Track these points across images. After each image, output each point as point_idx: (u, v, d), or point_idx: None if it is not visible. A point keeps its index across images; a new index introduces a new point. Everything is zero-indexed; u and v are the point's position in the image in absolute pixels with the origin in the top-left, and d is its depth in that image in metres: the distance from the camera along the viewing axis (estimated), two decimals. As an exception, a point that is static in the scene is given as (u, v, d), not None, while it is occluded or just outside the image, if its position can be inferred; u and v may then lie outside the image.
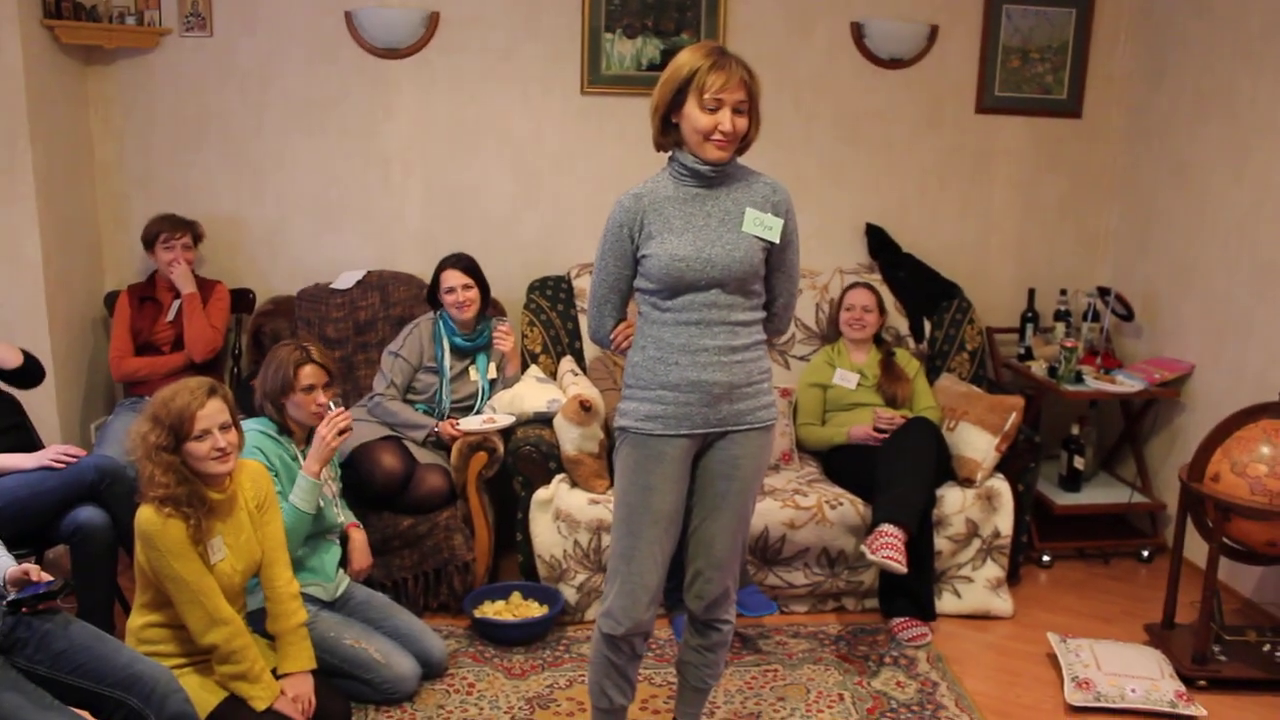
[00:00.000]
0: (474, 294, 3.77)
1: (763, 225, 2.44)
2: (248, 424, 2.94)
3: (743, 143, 2.47)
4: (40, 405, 3.67)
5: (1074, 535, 4.30)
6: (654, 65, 4.33)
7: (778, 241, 2.45)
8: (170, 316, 3.90)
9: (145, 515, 2.46)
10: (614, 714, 2.64)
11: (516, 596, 3.56)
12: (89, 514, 2.98)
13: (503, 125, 4.35)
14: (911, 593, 3.58)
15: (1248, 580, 3.85)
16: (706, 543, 2.55)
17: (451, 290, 3.75)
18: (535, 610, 3.50)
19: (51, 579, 2.40)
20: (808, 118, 4.47)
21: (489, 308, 3.91)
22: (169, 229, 3.91)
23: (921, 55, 4.46)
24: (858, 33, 4.41)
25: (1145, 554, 4.26)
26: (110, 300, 4.03)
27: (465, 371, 3.84)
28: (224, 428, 2.53)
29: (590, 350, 4.19)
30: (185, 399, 2.49)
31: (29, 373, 3.33)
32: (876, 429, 3.79)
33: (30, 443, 3.30)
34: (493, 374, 3.86)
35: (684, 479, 2.51)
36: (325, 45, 4.20)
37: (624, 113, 4.36)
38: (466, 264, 3.80)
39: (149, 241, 3.92)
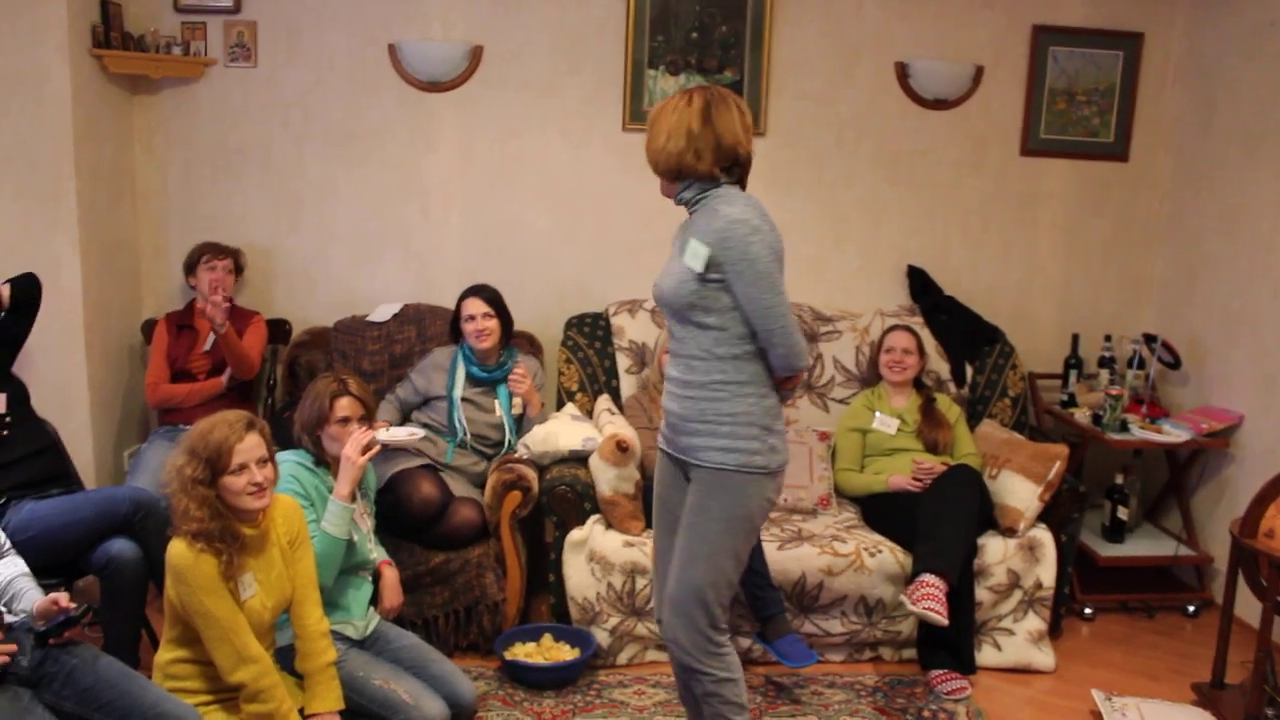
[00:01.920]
0: (494, 324, 3.76)
1: (693, 255, 2.43)
2: (284, 455, 2.92)
3: (659, 170, 2.53)
4: (74, 433, 3.68)
5: (1117, 588, 4.19)
6: (696, 102, 4.31)
7: (699, 269, 2.42)
8: (207, 346, 3.90)
9: (177, 549, 2.43)
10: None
11: (548, 639, 3.50)
12: (121, 546, 2.94)
13: (543, 160, 4.33)
14: (951, 644, 3.49)
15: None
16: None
17: (471, 318, 3.75)
18: (567, 653, 3.44)
19: (75, 605, 2.37)
20: (850, 157, 4.43)
21: (511, 340, 3.89)
22: (212, 251, 3.95)
23: (967, 96, 4.41)
24: (902, 72, 4.37)
25: (1191, 609, 4.14)
26: (148, 328, 4.03)
27: (485, 403, 3.80)
28: (261, 462, 2.50)
29: (627, 388, 4.14)
30: (224, 432, 2.46)
31: (22, 304, 3.21)
32: (915, 478, 3.72)
33: (64, 470, 3.29)
34: (518, 409, 3.82)
35: (680, 495, 2.59)
36: (368, 77, 4.21)
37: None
38: (489, 294, 3.80)
39: (191, 265, 3.94)
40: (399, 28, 4.19)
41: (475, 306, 3.76)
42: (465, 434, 3.75)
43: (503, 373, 3.81)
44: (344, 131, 4.24)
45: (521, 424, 3.83)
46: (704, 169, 2.47)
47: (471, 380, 3.80)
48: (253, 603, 2.51)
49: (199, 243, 4.00)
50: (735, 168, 2.51)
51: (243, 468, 2.46)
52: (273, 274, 4.24)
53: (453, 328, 3.88)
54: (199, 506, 2.41)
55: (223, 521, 2.45)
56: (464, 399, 3.78)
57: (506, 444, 3.79)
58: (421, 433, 3.53)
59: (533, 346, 4.19)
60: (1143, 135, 4.52)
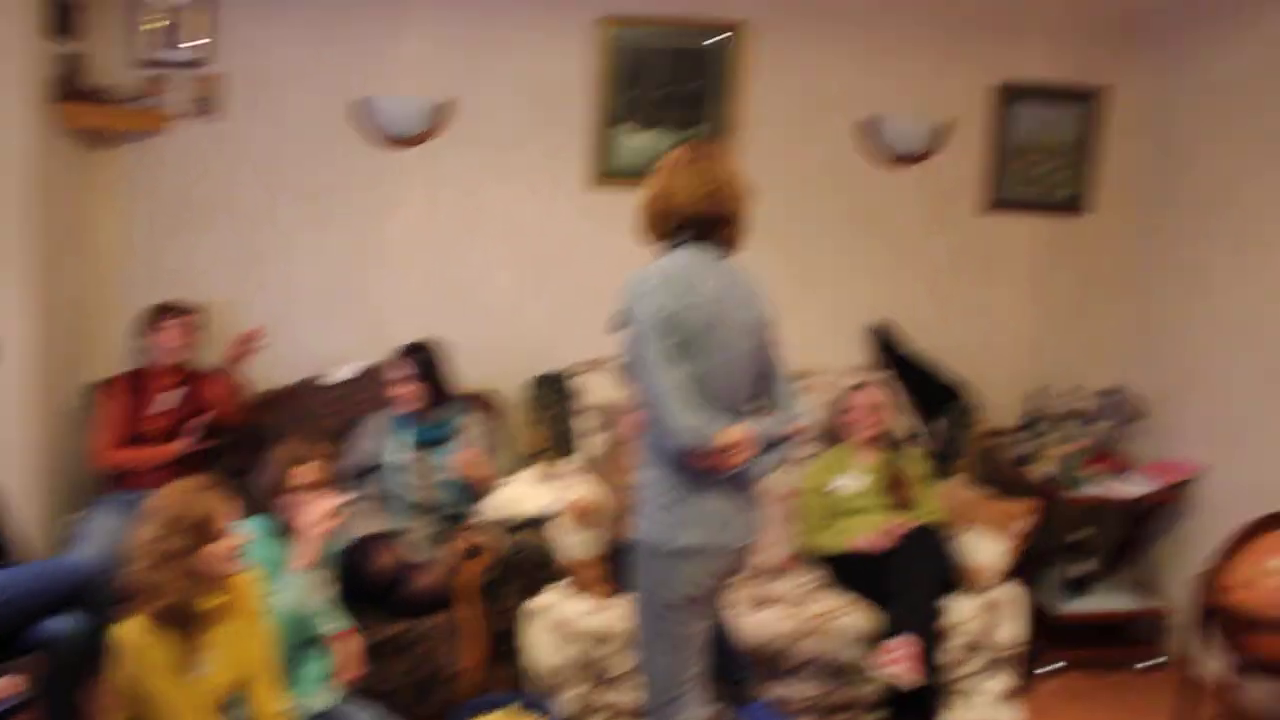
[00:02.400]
0: (411, 388, 3.67)
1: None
2: (244, 524, 2.88)
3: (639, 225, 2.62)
4: (16, 497, 3.55)
5: (1075, 643, 4.21)
6: (664, 159, 4.32)
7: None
8: (164, 407, 3.77)
9: (133, 628, 2.38)
10: None
11: (509, 710, 3.45)
12: (69, 621, 2.82)
13: (508, 217, 4.32)
14: (921, 705, 3.49)
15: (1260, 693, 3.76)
16: None
17: (390, 382, 3.71)
18: (532, 723, 3.40)
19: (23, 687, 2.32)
20: (816, 213, 4.46)
21: (447, 398, 3.79)
22: (170, 309, 3.84)
23: (932, 153, 4.45)
24: (869, 129, 4.41)
25: (1149, 664, 4.17)
26: (97, 389, 3.91)
27: (427, 467, 3.72)
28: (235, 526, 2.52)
29: (592, 450, 4.12)
30: (206, 502, 2.46)
31: None
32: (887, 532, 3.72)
33: (2, 539, 3.18)
34: (468, 471, 3.73)
35: None
36: (335, 132, 4.18)
37: (633, 207, 4.33)
38: (411, 355, 3.72)
39: (148, 322, 3.83)
40: (368, 82, 4.16)
41: (393, 370, 3.71)
42: (409, 500, 3.67)
43: (442, 433, 3.73)
44: (310, 186, 4.21)
45: (473, 487, 3.75)
46: (656, 235, 2.56)
47: (410, 444, 3.73)
48: (210, 679, 2.46)
49: (156, 303, 3.90)
50: (688, 228, 2.53)
51: (224, 533, 2.45)
52: (235, 330, 4.17)
53: None
54: (180, 578, 2.37)
55: (195, 594, 2.41)
56: (404, 464, 3.70)
57: (456, 509, 3.72)
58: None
59: (490, 407, 4.13)
60: (1104, 190, 4.57)
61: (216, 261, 4.20)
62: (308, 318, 4.26)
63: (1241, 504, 3.82)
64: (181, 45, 4.06)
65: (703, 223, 2.53)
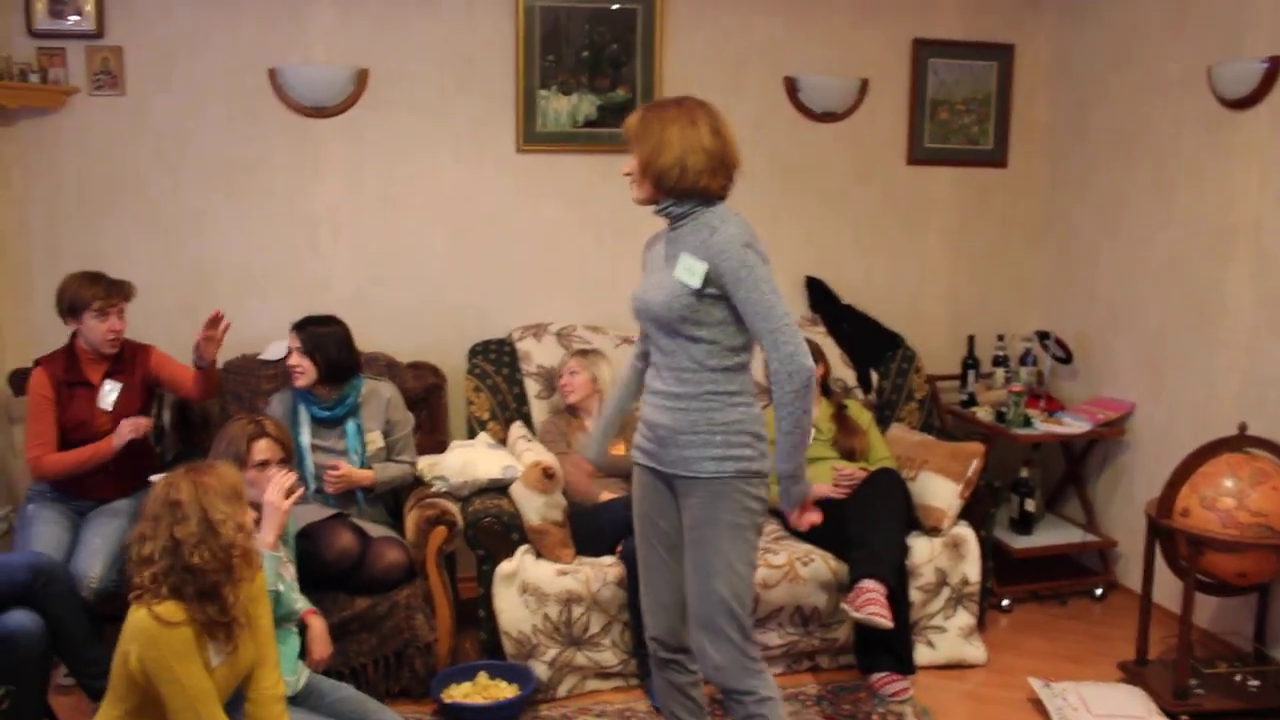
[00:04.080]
0: (307, 363, 3.47)
1: (688, 270, 2.43)
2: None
3: (664, 185, 2.46)
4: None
5: (1028, 578, 4.30)
6: (590, 122, 4.27)
7: (696, 286, 2.41)
8: (108, 404, 3.39)
9: (162, 611, 2.18)
10: None
11: (483, 676, 3.34)
12: (20, 619, 2.64)
13: (436, 184, 4.20)
14: (890, 647, 3.50)
15: (1203, 612, 3.89)
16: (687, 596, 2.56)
17: (287, 354, 3.54)
18: (505, 690, 3.29)
19: None
20: (744, 172, 4.42)
21: (353, 370, 3.58)
22: (104, 294, 3.34)
23: (853, 109, 4.51)
24: (791, 86, 4.43)
25: (1099, 592, 4.28)
26: (16, 379, 3.63)
27: (334, 444, 3.54)
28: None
29: (539, 414, 4.03)
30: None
31: None
32: (837, 484, 3.72)
33: None
34: (378, 442, 3.58)
35: (669, 508, 2.58)
36: (248, 104, 4.00)
37: (561, 170, 4.28)
38: (305, 329, 3.52)
39: (76, 308, 3.34)
40: (279, 52, 3.99)
41: (291, 342, 3.51)
42: (316, 484, 3.47)
43: (345, 409, 3.56)
44: (224, 161, 4.01)
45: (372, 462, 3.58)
46: (716, 186, 2.48)
47: (315, 422, 3.55)
48: (222, 669, 2.29)
49: (76, 276, 3.40)
50: (729, 179, 2.53)
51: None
52: (153, 314, 3.90)
53: None
54: (220, 555, 2.21)
55: (232, 574, 2.25)
56: (312, 445, 3.52)
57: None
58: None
59: (436, 376, 4.03)
60: (1019, 141, 4.70)
61: (125, 243, 3.96)
62: (231, 296, 4.04)
63: (1172, 436, 3.99)
64: (71, 16, 3.83)
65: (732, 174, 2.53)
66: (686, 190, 2.46)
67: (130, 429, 3.30)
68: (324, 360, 3.50)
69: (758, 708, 2.48)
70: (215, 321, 3.44)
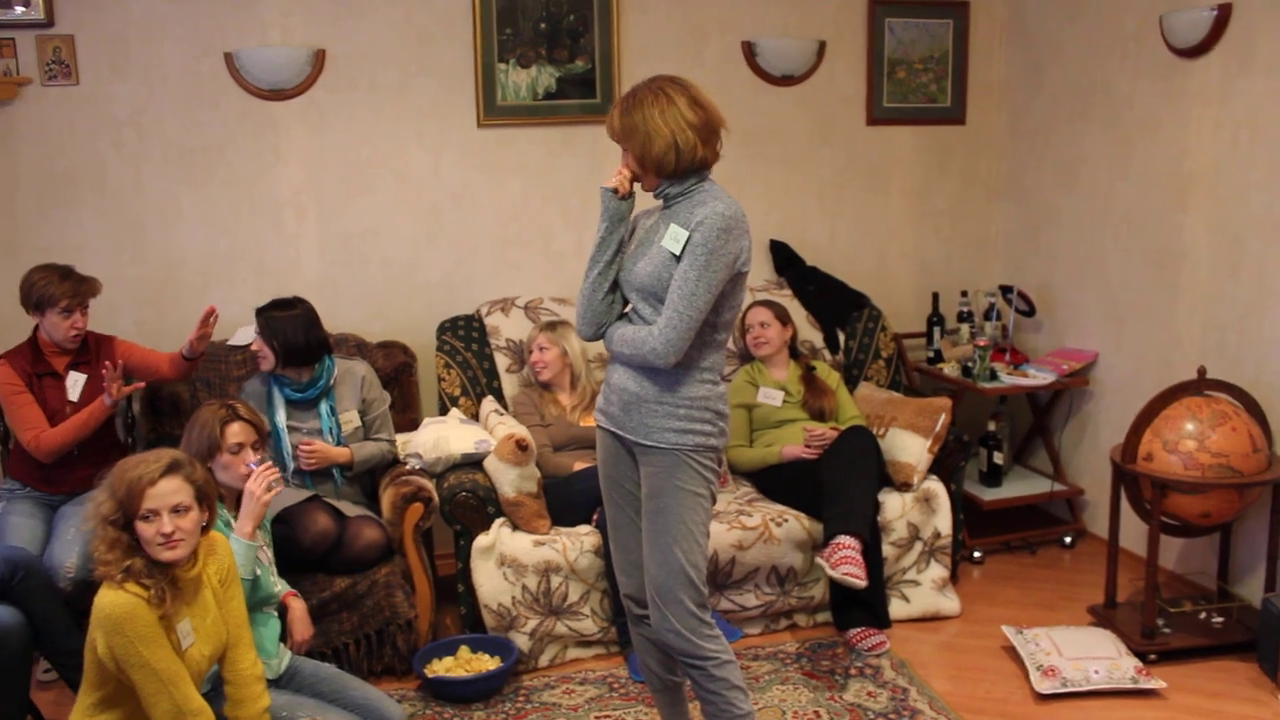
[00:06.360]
0: (266, 350, 3.49)
1: (673, 239, 2.46)
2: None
3: (666, 170, 2.48)
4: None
5: (998, 529, 4.38)
6: (550, 94, 4.26)
7: (678, 253, 2.43)
8: (74, 396, 3.40)
9: (109, 598, 2.20)
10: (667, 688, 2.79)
11: (465, 650, 3.38)
12: (4, 612, 2.66)
13: (399, 163, 4.19)
14: (865, 602, 3.56)
15: (1168, 554, 3.98)
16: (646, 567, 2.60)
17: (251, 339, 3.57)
18: (488, 663, 3.33)
19: None
20: (706, 138, 4.45)
21: (313, 356, 3.56)
22: (72, 293, 3.33)
23: (812, 71, 4.52)
24: (749, 51, 4.44)
25: (1068, 540, 4.36)
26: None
27: (309, 424, 3.57)
28: (177, 510, 2.26)
29: (510, 388, 4.05)
30: (138, 471, 2.25)
31: None
32: (808, 445, 3.77)
33: None
34: (354, 422, 3.60)
35: (632, 471, 2.61)
36: (205, 89, 3.97)
37: (523, 144, 4.28)
38: (265, 314, 3.52)
39: (42, 304, 3.33)
40: (234, 35, 3.96)
41: (255, 328, 3.53)
42: (294, 464, 3.50)
43: (317, 390, 3.57)
44: (184, 148, 3.98)
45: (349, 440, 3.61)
46: (712, 154, 2.50)
47: (290, 404, 3.57)
48: (192, 651, 2.31)
49: (39, 270, 3.39)
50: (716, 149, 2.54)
51: (154, 514, 2.24)
52: (117, 306, 3.91)
53: None
54: (109, 549, 2.20)
55: (143, 558, 2.24)
56: (289, 426, 3.54)
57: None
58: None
59: (406, 355, 4.03)
60: (977, 98, 4.73)
61: (86, 235, 3.93)
62: (196, 283, 4.05)
63: (1136, 384, 4.06)
64: (18, 6, 3.78)
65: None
66: (686, 168, 2.48)
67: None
68: (281, 345, 3.49)
69: (719, 670, 2.52)
70: (206, 317, 3.46)
